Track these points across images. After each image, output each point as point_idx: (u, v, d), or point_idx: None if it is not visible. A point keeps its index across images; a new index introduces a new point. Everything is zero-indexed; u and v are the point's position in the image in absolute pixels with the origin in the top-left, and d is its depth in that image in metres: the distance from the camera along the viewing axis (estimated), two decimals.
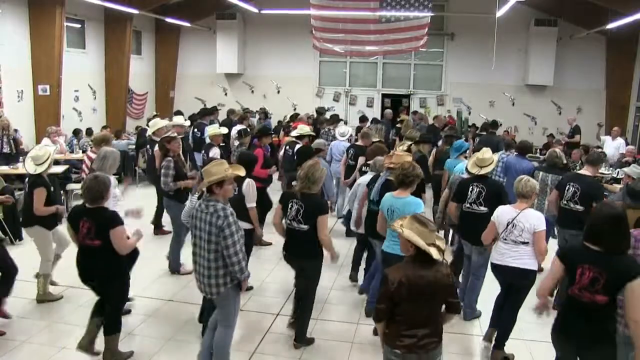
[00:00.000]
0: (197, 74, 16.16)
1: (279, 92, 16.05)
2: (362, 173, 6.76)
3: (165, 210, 6.80)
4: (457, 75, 15.20)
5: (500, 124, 12.52)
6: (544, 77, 14.20)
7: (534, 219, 4.27)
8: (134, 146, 11.18)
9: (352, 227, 6.03)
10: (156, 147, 7.22)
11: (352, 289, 5.96)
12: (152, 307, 5.32)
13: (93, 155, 6.46)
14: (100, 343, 4.28)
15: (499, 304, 4.69)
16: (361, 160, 7.66)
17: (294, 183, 5.48)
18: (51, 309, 5.20)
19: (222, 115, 12.80)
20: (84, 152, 10.13)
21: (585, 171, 5.64)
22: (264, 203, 6.38)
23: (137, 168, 10.90)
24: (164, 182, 6.02)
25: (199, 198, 4.18)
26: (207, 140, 8.24)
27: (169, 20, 14.39)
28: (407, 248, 3.08)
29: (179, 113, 12.57)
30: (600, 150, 10.58)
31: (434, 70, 15.62)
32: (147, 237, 6.11)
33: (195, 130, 10.26)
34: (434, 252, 3.00)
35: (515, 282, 4.39)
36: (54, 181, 5.56)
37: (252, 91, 16.22)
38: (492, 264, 4.56)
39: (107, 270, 4.10)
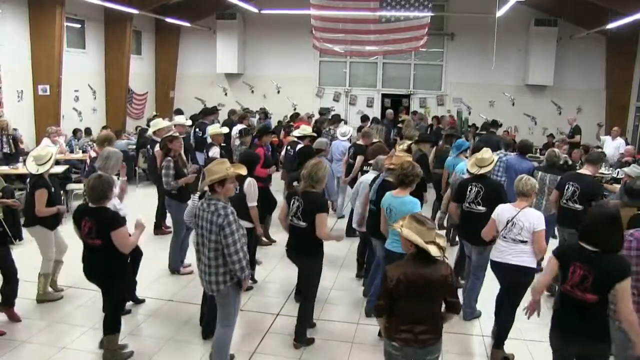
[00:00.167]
0: (197, 74, 16.16)
1: (279, 92, 16.05)
2: (364, 172, 6.78)
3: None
4: (457, 75, 15.20)
5: (501, 124, 12.53)
6: (544, 77, 14.21)
7: (533, 218, 4.29)
8: (134, 146, 11.18)
9: (354, 226, 6.06)
10: (157, 147, 7.23)
11: (352, 289, 5.96)
12: (152, 307, 5.32)
13: (94, 155, 6.50)
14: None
15: (499, 304, 4.71)
16: (359, 159, 7.70)
17: (295, 183, 5.50)
18: (51, 309, 5.20)
19: (222, 115, 12.80)
20: (84, 152, 10.14)
21: (585, 170, 5.67)
22: (265, 202, 6.40)
23: (137, 168, 10.90)
24: (165, 181, 6.04)
25: (200, 197, 4.19)
26: (209, 140, 8.26)
27: (169, 20, 14.39)
28: (408, 247, 3.16)
29: (179, 112, 12.59)
30: (600, 150, 10.59)
31: (434, 70, 15.62)
32: (147, 237, 6.12)
33: (197, 130, 10.29)
34: (432, 250, 3.06)
35: (514, 280, 4.39)
36: (54, 181, 5.56)
37: (252, 91, 16.22)
38: (491, 261, 4.57)
39: (107, 270, 4.12)
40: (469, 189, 5.10)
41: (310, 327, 4.86)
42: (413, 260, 3.12)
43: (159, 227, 7.65)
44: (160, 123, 7.99)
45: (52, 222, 5.24)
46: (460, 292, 4.56)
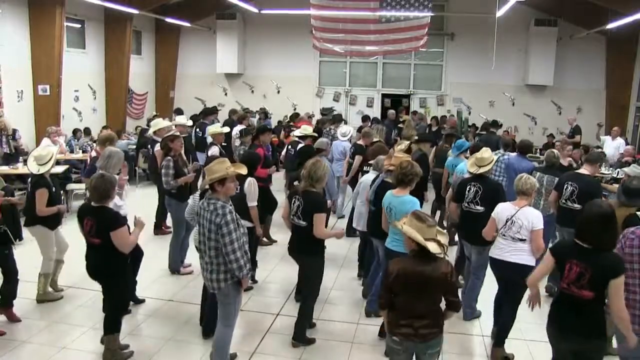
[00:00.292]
0: (197, 74, 16.16)
1: (279, 92, 16.05)
2: (364, 172, 6.78)
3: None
4: (457, 75, 15.19)
5: (501, 124, 12.54)
6: (544, 77, 14.20)
7: (532, 217, 4.33)
8: (134, 146, 11.19)
9: (354, 225, 6.06)
10: (157, 147, 7.24)
11: (352, 289, 5.96)
12: (152, 307, 5.32)
13: (95, 155, 6.53)
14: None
15: (498, 303, 4.72)
16: (358, 158, 7.72)
17: (295, 183, 5.51)
18: (51, 309, 5.20)
19: (222, 115, 12.81)
20: (84, 152, 10.15)
21: (584, 170, 5.70)
22: (266, 202, 6.40)
23: (137, 168, 10.91)
24: (164, 181, 6.05)
25: (201, 196, 4.21)
26: (209, 140, 8.27)
27: (169, 20, 14.39)
28: (410, 244, 3.22)
29: (179, 111, 12.61)
30: (600, 150, 10.58)
31: (434, 70, 15.62)
32: (147, 237, 6.12)
33: (197, 129, 10.31)
34: (431, 247, 3.12)
35: (513, 278, 4.40)
36: (54, 181, 5.57)
37: (252, 91, 16.22)
38: (490, 258, 4.59)
39: (107, 269, 4.15)
40: (467, 189, 5.11)
41: (310, 327, 4.86)
42: (414, 258, 3.18)
43: (159, 227, 7.66)
44: (160, 123, 8.00)
45: (53, 222, 5.25)
46: (459, 292, 4.56)
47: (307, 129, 8.24)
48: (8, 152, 9.11)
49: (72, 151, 10.14)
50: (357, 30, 12.83)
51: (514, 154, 7.35)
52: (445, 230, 3.36)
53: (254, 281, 5.90)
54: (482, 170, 5.13)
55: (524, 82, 14.78)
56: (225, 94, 16.29)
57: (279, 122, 14.07)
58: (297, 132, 8.47)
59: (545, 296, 5.31)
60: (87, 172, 6.43)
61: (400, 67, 15.72)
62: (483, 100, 15.14)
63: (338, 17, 12.62)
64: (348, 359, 4.52)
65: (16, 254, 4.99)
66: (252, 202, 5.19)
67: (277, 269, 6.40)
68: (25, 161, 8.72)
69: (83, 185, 8.79)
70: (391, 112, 13.34)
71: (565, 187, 5.58)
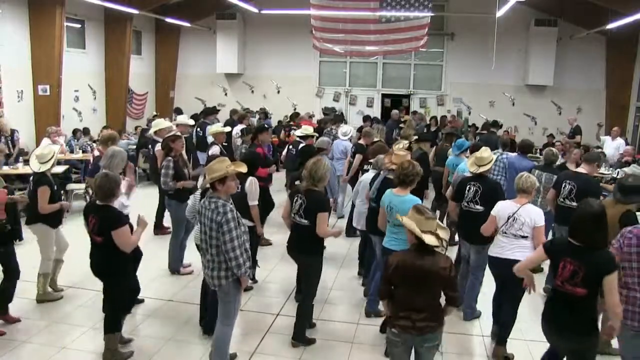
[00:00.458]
0: (197, 74, 16.16)
1: (279, 92, 16.05)
2: (364, 171, 6.80)
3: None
4: (457, 75, 15.19)
5: (501, 125, 12.54)
6: (544, 77, 14.20)
7: (534, 214, 4.38)
8: (134, 146, 11.19)
9: (354, 224, 6.06)
10: (157, 147, 7.24)
11: (352, 289, 5.96)
12: (152, 307, 5.32)
13: (98, 154, 6.56)
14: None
15: (497, 302, 4.73)
16: (358, 157, 7.73)
17: (297, 182, 5.51)
18: (51, 309, 5.20)
19: (222, 115, 12.81)
20: (84, 152, 10.14)
21: (582, 169, 5.74)
22: (265, 203, 6.39)
23: (137, 168, 10.90)
24: (163, 181, 6.06)
25: (202, 195, 4.22)
26: (210, 139, 8.29)
27: (169, 20, 14.38)
28: (411, 238, 3.29)
29: (179, 111, 12.62)
30: (600, 150, 10.59)
31: (434, 70, 15.62)
32: (147, 237, 6.12)
33: (198, 129, 10.32)
34: (427, 238, 3.18)
35: (512, 275, 4.40)
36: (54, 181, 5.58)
37: (252, 91, 16.22)
38: (490, 257, 4.59)
39: (108, 267, 4.19)
40: (467, 188, 5.12)
41: (310, 327, 4.86)
42: (414, 251, 3.26)
43: (159, 227, 7.66)
44: (162, 123, 8.00)
45: (54, 220, 5.26)
46: None
47: (307, 129, 8.26)
48: (7, 152, 9.11)
49: (72, 151, 10.13)
50: (357, 31, 12.82)
51: (515, 153, 7.37)
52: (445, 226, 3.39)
53: (254, 281, 5.90)
54: (482, 169, 5.14)
55: (524, 82, 14.78)
56: (225, 94, 16.29)
57: (279, 122, 14.07)
58: (298, 132, 8.49)
59: (542, 296, 5.32)
60: (91, 171, 6.46)
61: (400, 67, 15.72)
62: (483, 100, 15.14)
63: (338, 17, 12.61)
64: (348, 359, 4.52)
65: (16, 253, 4.97)
66: (253, 201, 5.21)
67: (277, 269, 6.40)
68: (25, 161, 8.74)
69: (83, 185, 8.80)
70: (395, 112, 13.34)
71: (563, 186, 5.64)
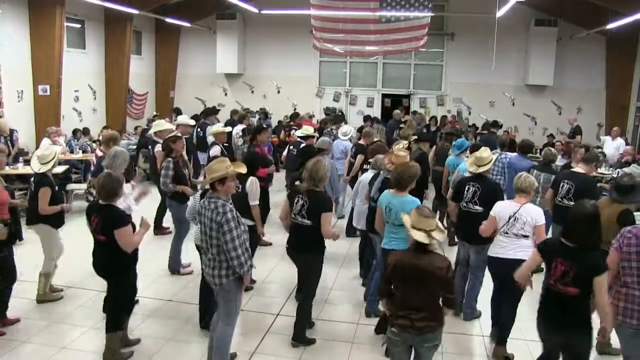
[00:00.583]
0: (197, 74, 16.16)
1: (279, 92, 16.05)
2: (364, 171, 6.80)
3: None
4: (457, 75, 15.19)
5: (501, 125, 12.54)
6: (544, 77, 14.19)
7: (535, 213, 4.40)
8: (134, 146, 11.19)
9: (354, 224, 6.06)
10: (157, 147, 7.25)
11: (352, 289, 5.96)
12: (152, 307, 5.32)
13: (101, 154, 6.59)
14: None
15: (496, 302, 4.73)
16: (359, 157, 7.74)
17: (297, 183, 5.51)
18: (51, 309, 5.20)
19: (222, 116, 12.81)
20: (84, 152, 10.15)
21: (580, 169, 5.77)
22: (265, 203, 6.40)
23: (137, 168, 10.90)
24: (162, 182, 6.07)
25: (202, 196, 4.23)
26: (211, 139, 8.30)
27: (169, 20, 14.38)
28: (411, 238, 3.34)
29: (178, 111, 12.61)
30: (600, 150, 10.58)
31: (434, 70, 15.62)
32: (147, 237, 6.11)
33: (199, 130, 10.32)
34: (415, 234, 3.24)
35: (513, 274, 4.41)
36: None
37: (252, 91, 16.22)
38: (490, 257, 4.58)
39: (110, 266, 4.22)
40: (466, 189, 5.12)
41: (309, 328, 4.86)
42: (412, 250, 3.31)
43: (159, 228, 7.66)
44: (162, 124, 8.00)
45: (56, 221, 5.27)
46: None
47: (308, 129, 8.27)
48: (7, 152, 9.10)
49: (72, 151, 10.13)
50: (357, 31, 12.82)
51: (515, 153, 7.38)
52: (444, 227, 3.43)
53: (252, 281, 5.90)
54: (481, 169, 5.14)
55: (524, 82, 14.78)
56: (225, 94, 16.29)
57: (279, 122, 14.07)
58: (299, 132, 8.50)
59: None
60: (94, 172, 6.51)
61: (400, 67, 15.72)
62: (483, 100, 15.14)
63: (338, 17, 12.61)
64: (348, 359, 4.52)
65: (16, 254, 4.97)
66: (254, 201, 5.21)
67: (277, 269, 6.40)
68: (25, 161, 8.74)
69: (83, 186, 8.80)
70: (397, 111, 13.33)
71: (561, 185, 5.68)
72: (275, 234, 7.25)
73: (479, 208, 4.99)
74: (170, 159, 6.09)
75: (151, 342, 4.63)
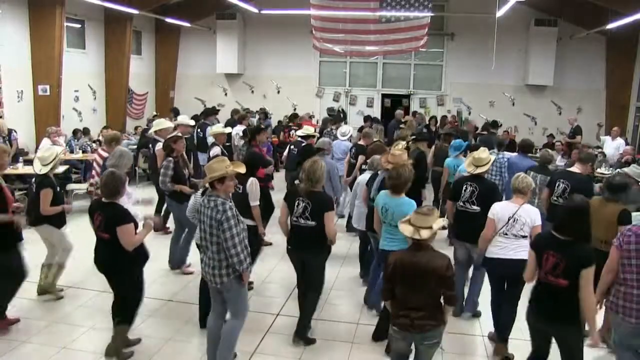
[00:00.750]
0: (197, 74, 16.16)
1: (279, 92, 16.05)
2: (363, 171, 6.81)
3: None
4: (457, 75, 15.19)
5: (501, 125, 12.54)
6: (544, 77, 14.19)
7: (533, 214, 4.45)
8: (134, 146, 11.18)
9: (355, 224, 6.07)
10: (158, 146, 7.26)
11: (352, 289, 5.96)
12: (152, 307, 5.32)
13: (104, 154, 6.62)
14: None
15: (496, 303, 4.71)
16: (361, 158, 7.74)
17: (296, 182, 5.51)
18: (51, 309, 5.20)
19: (222, 116, 12.80)
20: (84, 152, 10.14)
21: (575, 169, 5.82)
22: (267, 203, 6.38)
23: (137, 168, 10.90)
24: (161, 181, 6.09)
25: (202, 194, 4.24)
26: (210, 139, 8.31)
27: (169, 20, 14.39)
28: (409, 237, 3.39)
29: (177, 112, 12.61)
30: (600, 150, 10.59)
31: (434, 70, 15.61)
32: (147, 237, 6.11)
33: (198, 130, 10.32)
34: (404, 227, 3.32)
35: (515, 274, 4.40)
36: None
37: (252, 91, 16.22)
38: (489, 258, 4.57)
39: (114, 263, 4.24)
40: (464, 188, 5.13)
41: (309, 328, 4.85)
42: (411, 249, 3.36)
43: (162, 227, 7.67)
44: (163, 123, 8.01)
45: (58, 221, 5.29)
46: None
47: (309, 129, 8.30)
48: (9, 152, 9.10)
49: (72, 151, 10.13)
50: (357, 31, 12.82)
51: (515, 153, 7.38)
52: (437, 229, 3.40)
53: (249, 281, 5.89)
54: (479, 170, 5.15)
55: (524, 82, 14.78)
56: (225, 94, 16.29)
57: (279, 122, 14.07)
58: (299, 132, 8.51)
59: None
60: (102, 172, 6.52)
61: (400, 67, 15.72)
62: (483, 100, 15.14)
63: (338, 17, 12.61)
64: (348, 359, 4.52)
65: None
66: (254, 202, 5.21)
67: (277, 269, 6.40)
68: (25, 162, 8.75)
69: (83, 186, 8.81)
70: (399, 112, 13.31)
71: (557, 185, 5.73)
72: (276, 234, 7.23)
73: (476, 208, 5.00)
74: (170, 158, 6.11)
75: (151, 342, 4.63)
